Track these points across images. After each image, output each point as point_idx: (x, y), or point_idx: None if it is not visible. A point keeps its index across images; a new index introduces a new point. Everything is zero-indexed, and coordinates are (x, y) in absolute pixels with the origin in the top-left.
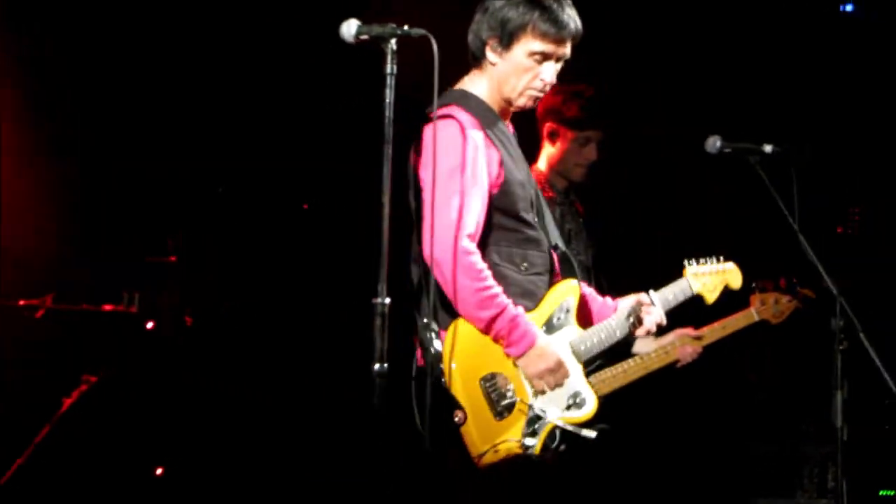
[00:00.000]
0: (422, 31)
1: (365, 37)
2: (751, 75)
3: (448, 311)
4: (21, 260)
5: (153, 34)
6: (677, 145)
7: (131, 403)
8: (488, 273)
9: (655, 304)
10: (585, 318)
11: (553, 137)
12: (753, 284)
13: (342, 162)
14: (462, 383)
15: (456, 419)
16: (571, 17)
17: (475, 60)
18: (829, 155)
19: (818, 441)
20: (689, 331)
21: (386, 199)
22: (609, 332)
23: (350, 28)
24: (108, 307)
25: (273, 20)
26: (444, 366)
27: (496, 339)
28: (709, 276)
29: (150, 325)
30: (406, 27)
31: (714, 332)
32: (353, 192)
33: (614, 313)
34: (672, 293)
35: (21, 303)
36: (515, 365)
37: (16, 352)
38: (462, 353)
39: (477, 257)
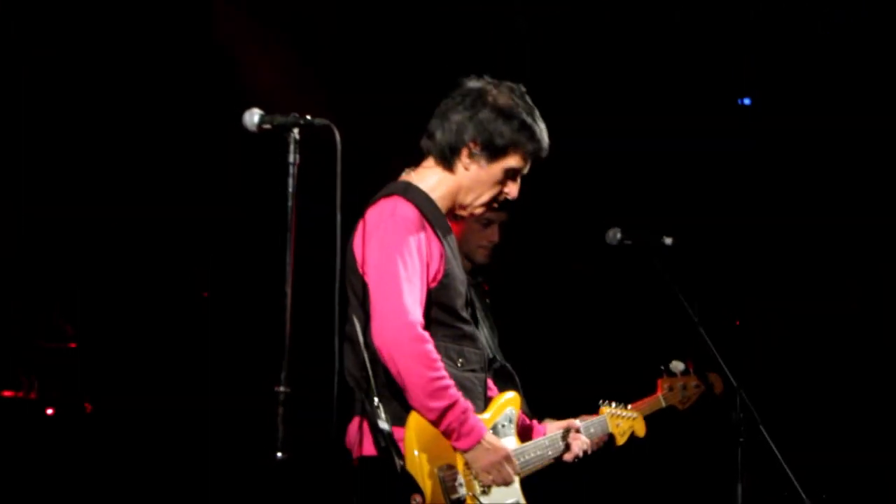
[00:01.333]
0: (325, 121)
1: (267, 126)
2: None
3: (396, 399)
4: None
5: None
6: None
7: (29, 491)
8: (441, 364)
9: (582, 433)
10: (520, 432)
11: (456, 219)
12: (662, 367)
13: (243, 248)
14: (421, 469)
15: (414, 503)
16: (546, 136)
17: (441, 155)
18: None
19: None
20: (571, 421)
21: (288, 289)
22: (543, 449)
23: (252, 117)
24: (7, 393)
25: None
26: (406, 450)
27: (446, 431)
28: (621, 420)
29: (49, 411)
30: (308, 116)
31: (600, 421)
32: (253, 280)
33: (543, 435)
34: (594, 427)
35: None
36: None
37: None
38: (424, 439)
39: (431, 346)
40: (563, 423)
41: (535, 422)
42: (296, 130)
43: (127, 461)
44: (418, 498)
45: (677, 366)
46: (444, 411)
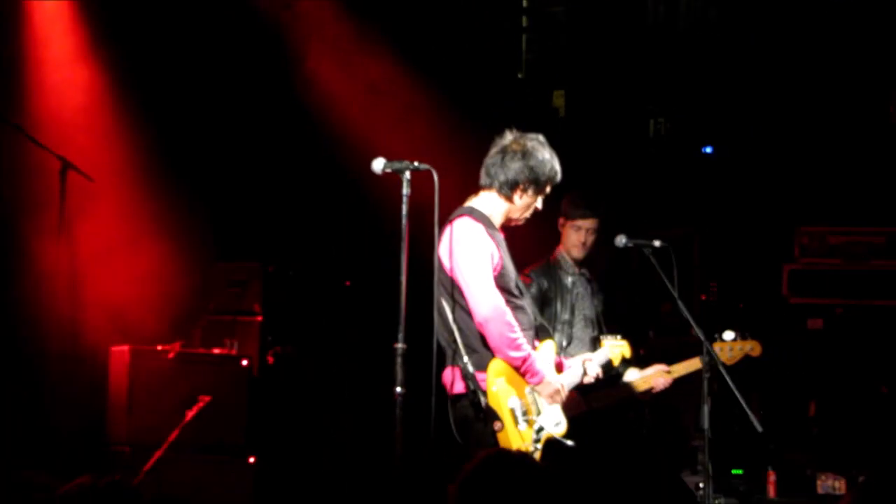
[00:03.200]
0: (427, 166)
1: (389, 170)
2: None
3: (477, 352)
4: (159, 315)
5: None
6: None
7: (228, 418)
8: (518, 328)
9: (594, 362)
10: (556, 367)
11: (561, 227)
12: (716, 335)
13: (374, 253)
14: (498, 402)
15: (496, 427)
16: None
17: (503, 190)
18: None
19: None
20: (663, 366)
21: (403, 279)
22: (571, 378)
23: (378, 164)
24: (216, 350)
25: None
26: (488, 388)
27: (523, 373)
28: (616, 348)
29: (244, 362)
30: (416, 163)
31: (680, 369)
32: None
33: (569, 368)
34: (600, 356)
35: (158, 347)
36: (530, 392)
37: (153, 381)
38: (499, 380)
39: (510, 315)
40: (581, 359)
41: (562, 358)
42: (407, 172)
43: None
44: (498, 424)
45: (728, 335)
46: (524, 360)
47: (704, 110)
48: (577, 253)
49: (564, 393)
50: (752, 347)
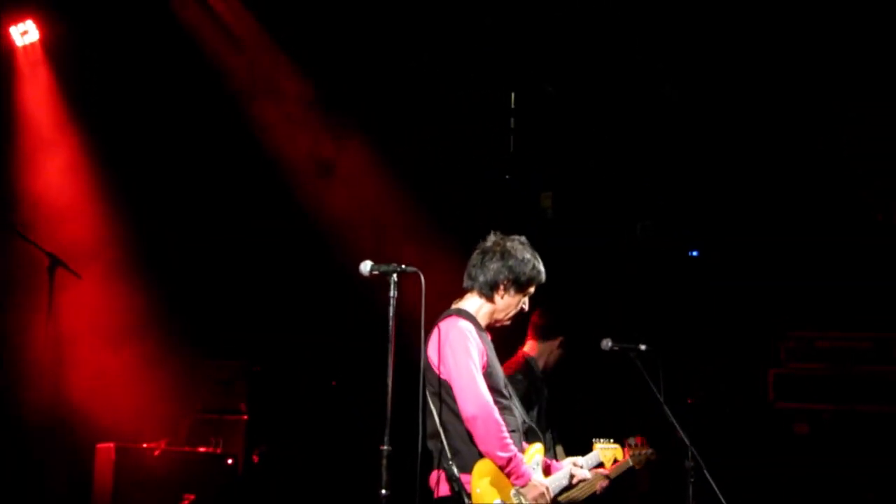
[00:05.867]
0: (414, 269)
1: (376, 272)
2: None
3: (462, 454)
4: (144, 412)
5: None
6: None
7: None
8: (506, 427)
9: (583, 466)
10: (545, 470)
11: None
12: (624, 441)
13: (359, 356)
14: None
15: None
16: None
17: (483, 290)
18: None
19: None
20: (601, 470)
21: (389, 380)
22: (559, 480)
23: (366, 267)
24: (202, 448)
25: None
26: (472, 490)
27: (509, 473)
28: (608, 451)
29: (230, 461)
30: (403, 266)
31: (612, 472)
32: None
33: (558, 470)
34: (590, 459)
35: (144, 445)
36: (516, 494)
37: (138, 478)
38: (484, 482)
39: (498, 414)
40: (570, 461)
41: (554, 462)
42: (395, 275)
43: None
44: None
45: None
46: (510, 460)
47: (691, 213)
48: (552, 365)
49: (549, 496)
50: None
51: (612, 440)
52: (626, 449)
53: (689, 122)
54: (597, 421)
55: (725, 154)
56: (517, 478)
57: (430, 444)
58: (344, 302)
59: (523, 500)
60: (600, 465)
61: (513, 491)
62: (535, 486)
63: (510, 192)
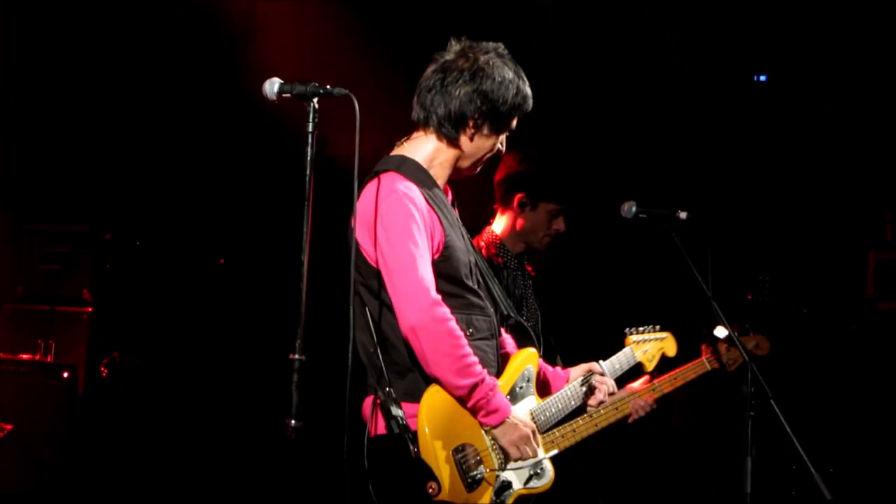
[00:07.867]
0: (344, 91)
1: (287, 94)
2: (667, 144)
3: (407, 376)
4: None
5: None
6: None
7: (43, 454)
8: (465, 340)
9: (606, 374)
10: (541, 387)
11: (523, 207)
12: (704, 332)
13: (261, 218)
14: (435, 454)
15: (430, 490)
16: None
17: (443, 128)
18: (741, 222)
19: None
20: (638, 385)
21: (305, 258)
22: (565, 402)
23: (273, 86)
24: (25, 356)
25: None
26: (419, 430)
27: (474, 408)
28: (648, 345)
29: (65, 374)
30: (329, 86)
31: (666, 383)
32: (270, 249)
33: (567, 383)
34: (619, 362)
35: None
36: (487, 434)
37: None
38: (436, 424)
39: (454, 322)
40: (585, 368)
41: (558, 369)
42: (315, 100)
43: (138, 428)
44: (434, 485)
45: (721, 331)
46: (472, 389)
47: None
48: (545, 244)
49: (536, 444)
50: (758, 345)
51: (657, 327)
52: (704, 346)
53: None
54: (613, 323)
55: None
56: (486, 414)
57: (364, 359)
58: (242, 140)
59: (493, 447)
60: (640, 366)
61: (485, 431)
62: (514, 423)
63: None
